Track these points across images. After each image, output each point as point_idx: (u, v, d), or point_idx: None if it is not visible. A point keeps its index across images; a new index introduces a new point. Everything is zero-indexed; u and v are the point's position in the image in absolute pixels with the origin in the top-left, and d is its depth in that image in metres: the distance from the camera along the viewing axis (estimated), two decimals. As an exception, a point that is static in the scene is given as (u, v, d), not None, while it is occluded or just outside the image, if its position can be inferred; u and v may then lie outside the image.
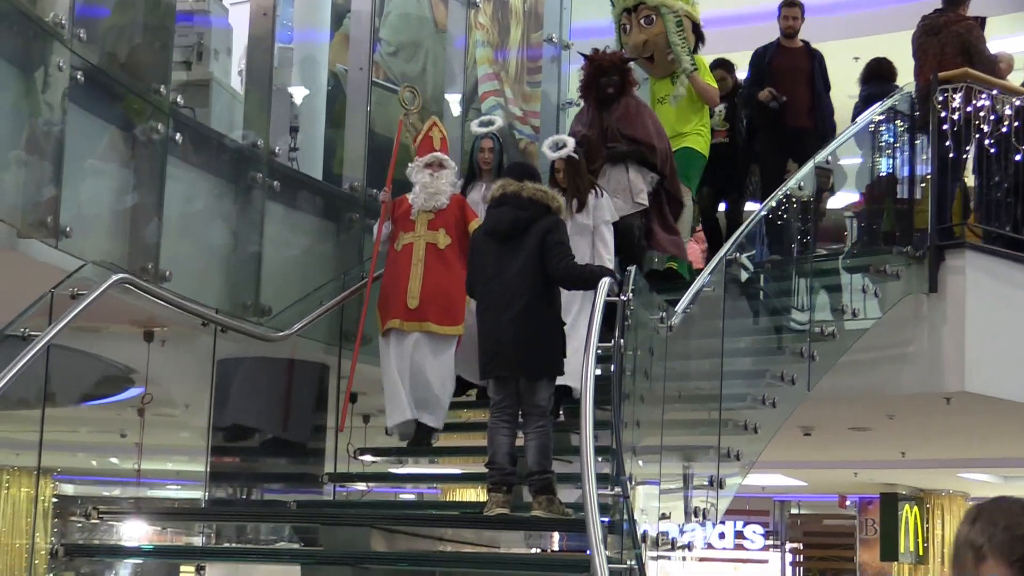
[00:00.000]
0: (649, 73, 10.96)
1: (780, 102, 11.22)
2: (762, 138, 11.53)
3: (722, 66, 11.47)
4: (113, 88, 8.92)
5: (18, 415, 7.86)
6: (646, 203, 9.68)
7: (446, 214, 9.04)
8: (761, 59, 11.66)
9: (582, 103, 10.26)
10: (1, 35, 8.19)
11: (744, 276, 9.65)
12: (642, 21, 10.52)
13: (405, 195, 9.24)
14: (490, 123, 9.67)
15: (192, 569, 8.72)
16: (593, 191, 8.98)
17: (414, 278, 8.86)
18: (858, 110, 11.34)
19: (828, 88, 11.61)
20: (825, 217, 11.37)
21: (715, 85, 10.71)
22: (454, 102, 12.65)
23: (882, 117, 10.59)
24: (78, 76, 8.23)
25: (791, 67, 11.51)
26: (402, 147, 9.84)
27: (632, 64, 10.14)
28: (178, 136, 9.03)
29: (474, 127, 9.74)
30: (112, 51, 9.19)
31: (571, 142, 8.96)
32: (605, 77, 9.62)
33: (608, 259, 8.81)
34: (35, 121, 8.41)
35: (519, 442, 7.35)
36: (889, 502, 19.86)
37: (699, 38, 10.76)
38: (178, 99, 9.22)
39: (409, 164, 9.26)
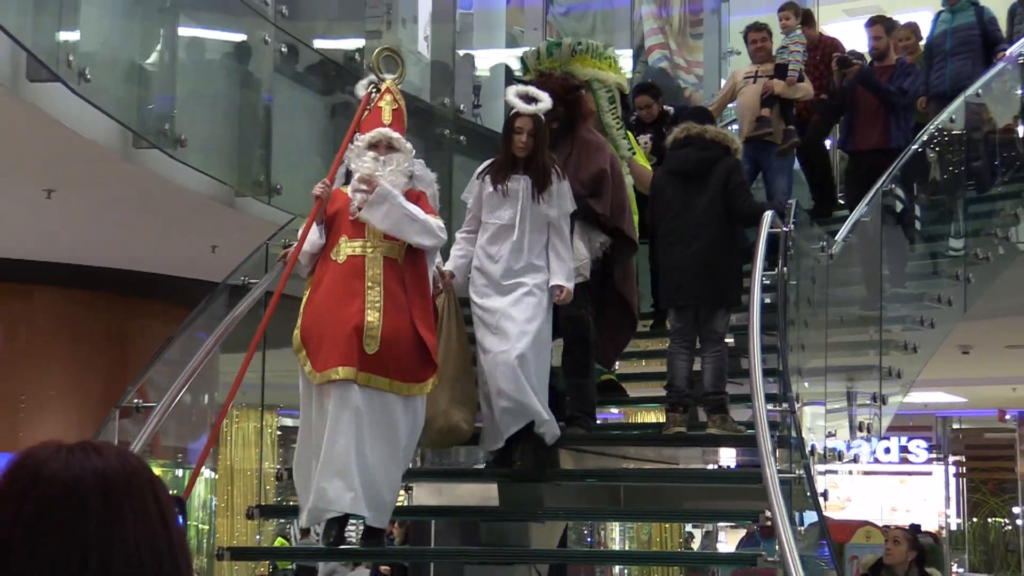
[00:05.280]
0: None
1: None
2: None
3: (647, 91, 9.33)
4: (312, 58, 9.09)
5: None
6: (587, 275, 6.73)
7: None
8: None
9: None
10: (214, 14, 8.41)
11: (899, 206, 9.49)
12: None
13: (341, 188, 6.19)
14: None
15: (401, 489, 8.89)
16: (555, 171, 6.42)
17: (371, 308, 5.81)
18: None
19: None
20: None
21: (648, 167, 8.09)
22: (622, 58, 12.61)
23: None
24: (282, 48, 8.40)
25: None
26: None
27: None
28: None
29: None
30: (310, 24, 9.36)
31: (546, 98, 6.44)
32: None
33: (570, 265, 6.43)
34: (246, 91, 8.63)
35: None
36: (1048, 415, 19.37)
37: (625, 108, 8.05)
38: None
39: (350, 145, 6.18)
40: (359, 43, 10.32)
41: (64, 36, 7.09)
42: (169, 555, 1.57)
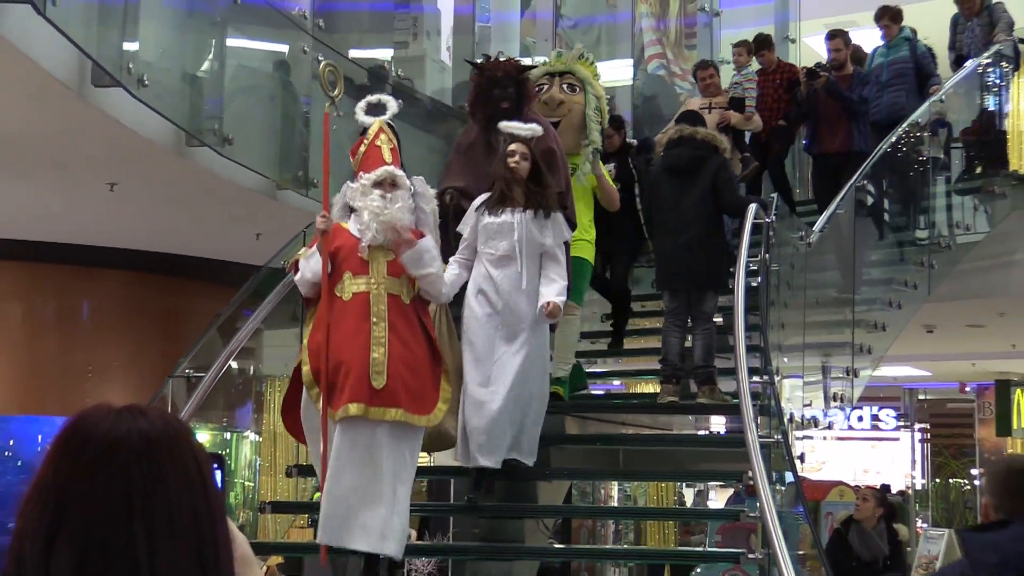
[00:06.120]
0: None
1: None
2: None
3: (610, 123, 8.26)
4: (346, 66, 9.07)
5: (283, 333, 8.09)
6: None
7: None
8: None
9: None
10: (258, 27, 8.40)
11: (870, 200, 9.47)
12: (565, 87, 7.19)
13: (340, 222, 5.70)
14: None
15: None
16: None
17: (376, 343, 5.35)
18: None
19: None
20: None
21: (614, 186, 7.60)
22: (624, 66, 12.59)
23: (989, 60, 10.23)
24: (319, 57, 8.40)
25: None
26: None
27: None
28: (399, 102, 9.18)
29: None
30: (345, 36, 9.35)
31: (536, 126, 6.20)
32: (499, 89, 6.45)
33: (562, 284, 5.94)
34: (287, 96, 8.63)
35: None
36: (1003, 387, 19.26)
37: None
38: (399, 72, 9.34)
39: (348, 183, 5.78)
40: (388, 53, 10.32)
41: (126, 46, 7.10)
42: (208, 514, 1.57)
